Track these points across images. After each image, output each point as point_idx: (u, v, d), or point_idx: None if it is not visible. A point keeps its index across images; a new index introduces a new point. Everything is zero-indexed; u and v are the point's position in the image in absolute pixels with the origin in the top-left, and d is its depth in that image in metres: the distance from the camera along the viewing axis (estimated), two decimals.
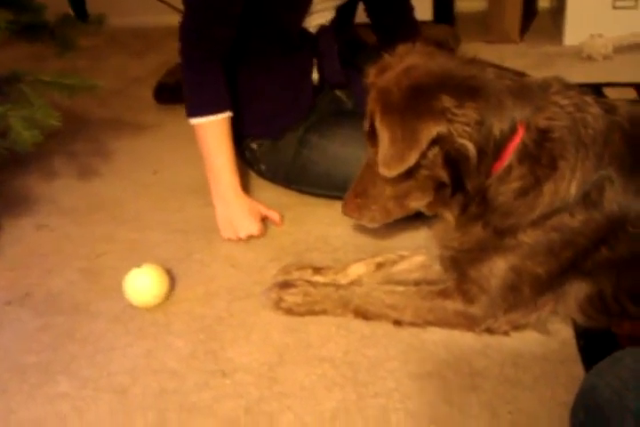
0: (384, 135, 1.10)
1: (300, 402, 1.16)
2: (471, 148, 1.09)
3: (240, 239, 1.61)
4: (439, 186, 1.19)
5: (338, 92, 1.81)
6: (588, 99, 1.18)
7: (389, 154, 1.10)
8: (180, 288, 1.46)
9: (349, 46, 1.82)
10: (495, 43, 2.76)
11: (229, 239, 1.62)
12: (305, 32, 1.65)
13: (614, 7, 2.59)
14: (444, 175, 1.15)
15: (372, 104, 1.17)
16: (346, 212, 1.36)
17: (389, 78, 1.15)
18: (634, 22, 2.57)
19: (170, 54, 2.97)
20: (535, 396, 1.14)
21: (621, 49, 2.55)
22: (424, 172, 1.16)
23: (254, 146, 1.76)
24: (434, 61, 1.15)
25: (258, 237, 1.62)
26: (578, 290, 1.24)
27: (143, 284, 1.38)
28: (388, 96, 1.10)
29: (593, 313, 1.25)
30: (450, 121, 1.06)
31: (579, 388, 0.91)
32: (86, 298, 1.46)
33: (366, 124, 1.21)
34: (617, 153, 1.14)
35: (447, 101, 1.06)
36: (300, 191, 1.77)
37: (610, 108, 1.18)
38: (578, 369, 1.18)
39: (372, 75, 1.23)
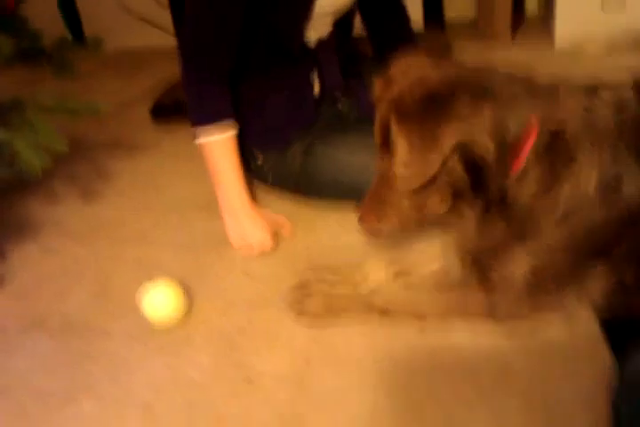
0: (402, 145, 1.08)
1: (333, 403, 1.14)
2: (491, 149, 1.08)
3: (252, 252, 1.59)
4: (458, 191, 1.17)
5: (339, 104, 1.81)
6: (596, 99, 1.18)
7: (410, 162, 1.08)
8: (197, 302, 1.43)
9: (348, 58, 1.82)
10: (488, 48, 2.78)
11: (241, 251, 1.60)
12: (304, 46, 1.66)
13: (603, 10, 2.62)
14: (464, 180, 1.14)
15: (385, 116, 1.15)
16: (363, 225, 1.30)
17: (400, 90, 1.13)
18: (623, 25, 2.60)
19: (162, 75, 2.99)
20: (568, 387, 1.12)
21: (614, 49, 2.58)
22: (444, 178, 1.14)
23: (260, 158, 1.75)
24: (442, 70, 1.15)
25: (271, 249, 1.60)
26: (600, 279, 1.22)
27: (161, 302, 1.35)
28: (402, 107, 1.09)
29: (615, 301, 1.24)
30: (469, 124, 1.06)
31: (618, 382, 0.89)
32: (100, 319, 1.43)
33: (377, 137, 1.20)
34: (632, 146, 1.14)
35: (464, 105, 1.06)
36: (310, 199, 1.75)
37: (619, 107, 1.17)
38: (606, 357, 1.17)
39: (378, 88, 1.22)
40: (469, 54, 2.57)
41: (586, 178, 1.12)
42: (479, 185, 1.15)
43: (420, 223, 1.28)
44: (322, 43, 1.70)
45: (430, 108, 1.06)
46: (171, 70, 3.09)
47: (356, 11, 1.79)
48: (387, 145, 1.15)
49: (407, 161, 1.08)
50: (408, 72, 1.17)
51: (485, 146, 1.07)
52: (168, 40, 3.32)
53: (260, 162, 1.76)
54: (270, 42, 1.62)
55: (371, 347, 1.26)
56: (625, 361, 0.95)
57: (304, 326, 1.33)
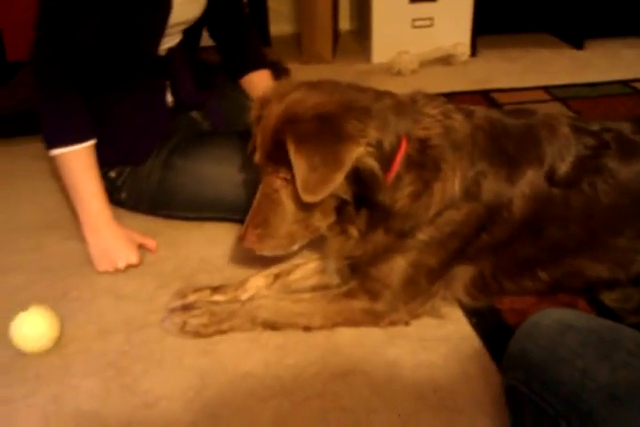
0: (302, 163, 1.13)
1: (237, 419, 1.15)
2: (376, 165, 1.17)
3: (118, 270, 1.55)
4: (341, 204, 1.25)
5: (193, 114, 1.81)
6: (451, 106, 1.33)
7: (313, 180, 1.13)
8: (68, 328, 1.37)
9: (198, 68, 1.83)
10: (310, 63, 2.92)
11: (107, 272, 1.55)
12: (156, 55, 1.65)
13: (413, 26, 2.87)
14: (347, 193, 1.21)
15: (270, 135, 1.19)
16: (246, 245, 1.29)
17: (288, 110, 1.18)
18: (431, 39, 2.87)
19: None
20: (450, 372, 1.24)
21: (425, 63, 2.84)
22: (330, 193, 1.18)
23: (113, 174, 1.70)
24: (320, 90, 1.21)
25: (136, 265, 1.57)
26: (462, 274, 1.37)
27: (36, 327, 1.28)
28: (296, 127, 1.14)
29: (476, 293, 1.40)
30: (359, 144, 1.14)
31: (506, 353, 1.02)
32: None
33: (261, 155, 1.23)
34: (484, 150, 1.30)
35: (357, 124, 1.14)
36: (168, 216, 1.74)
37: (469, 113, 1.34)
38: (476, 342, 1.32)
39: (256, 108, 1.28)
40: (295, 68, 2.69)
41: (451, 181, 1.26)
42: (362, 198, 1.23)
43: (303, 240, 1.32)
44: (172, 51, 1.70)
45: (326, 127, 1.13)
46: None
47: (204, 21, 1.80)
48: (273, 162, 1.20)
49: (308, 177, 1.13)
50: (284, 92, 1.23)
51: (371, 164, 1.17)
52: None
53: (112, 178, 1.71)
54: (124, 51, 1.59)
55: (261, 356, 1.29)
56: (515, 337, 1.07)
57: (188, 340, 1.33)
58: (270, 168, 1.22)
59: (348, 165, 1.14)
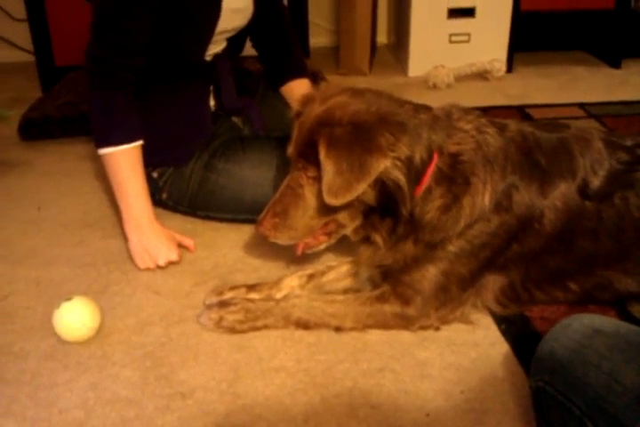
0: (330, 167, 1.18)
1: (269, 411, 1.19)
2: (403, 179, 1.22)
3: (158, 267, 1.60)
4: (368, 211, 1.30)
5: (234, 119, 1.87)
6: (484, 121, 1.37)
7: (337, 184, 1.18)
8: (108, 320, 1.43)
9: (239, 75, 1.89)
10: (347, 75, 2.98)
11: (147, 268, 1.60)
12: (202, 60, 1.71)
13: (450, 41, 2.92)
14: (373, 201, 1.26)
15: (306, 132, 1.24)
16: (261, 230, 1.35)
17: (326, 112, 1.23)
18: (468, 54, 2.91)
19: (17, 90, 2.88)
20: (478, 375, 1.27)
21: (461, 78, 2.88)
22: (356, 198, 1.24)
23: (155, 175, 1.76)
24: (362, 99, 1.25)
25: (176, 263, 1.62)
26: (493, 283, 1.40)
27: (78, 317, 1.34)
28: (331, 131, 1.19)
29: (506, 302, 1.42)
30: (388, 158, 1.18)
31: (535, 355, 1.05)
32: (7, 340, 1.38)
33: (293, 149, 1.29)
34: (516, 163, 1.33)
35: (389, 138, 1.18)
36: (207, 218, 1.80)
37: (502, 127, 1.37)
38: (505, 348, 1.34)
39: (298, 104, 1.34)
40: (332, 80, 2.75)
41: (481, 195, 1.29)
42: (389, 207, 1.27)
43: (331, 239, 1.39)
44: (217, 57, 1.77)
45: (359, 137, 1.18)
46: (25, 85, 2.99)
47: (249, 31, 1.86)
48: (304, 159, 1.25)
49: (333, 181, 1.18)
50: (327, 95, 1.28)
51: (397, 177, 1.21)
52: (17, 54, 3.22)
53: (154, 179, 1.76)
54: (172, 55, 1.66)
55: (294, 352, 1.33)
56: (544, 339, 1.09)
57: (224, 335, 1.37)
58: (300, 164, 1.28)
59: (372, 175, 1.18)
